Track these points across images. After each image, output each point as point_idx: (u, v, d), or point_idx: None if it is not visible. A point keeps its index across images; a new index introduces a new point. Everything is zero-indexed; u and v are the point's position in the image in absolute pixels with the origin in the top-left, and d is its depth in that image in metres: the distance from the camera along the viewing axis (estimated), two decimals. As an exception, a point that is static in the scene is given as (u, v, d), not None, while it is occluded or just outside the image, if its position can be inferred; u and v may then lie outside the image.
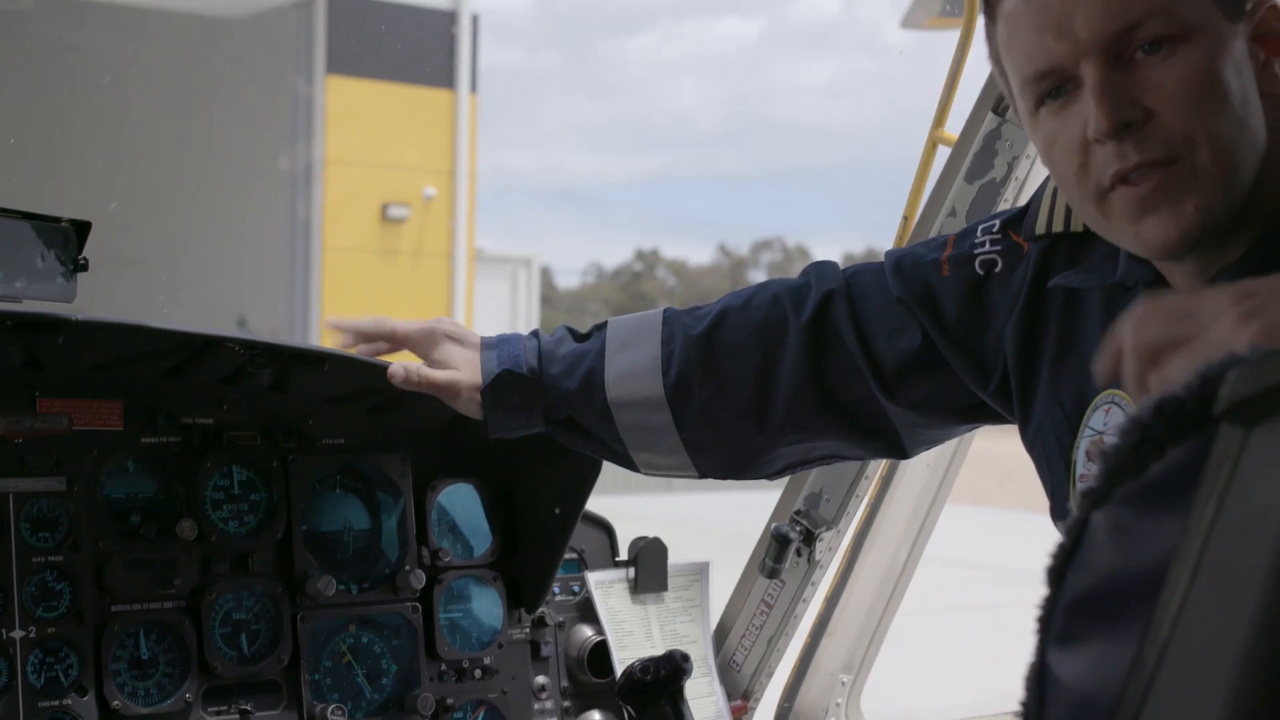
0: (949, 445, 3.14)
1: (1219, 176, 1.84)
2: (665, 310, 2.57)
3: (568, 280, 67.78)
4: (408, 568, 2.90)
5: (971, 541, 15.70)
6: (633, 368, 2.51)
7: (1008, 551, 13.20)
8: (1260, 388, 0.84)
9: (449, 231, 22.80)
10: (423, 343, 2.61)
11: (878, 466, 3.16)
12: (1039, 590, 0.96)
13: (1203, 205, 1.85)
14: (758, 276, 62.04)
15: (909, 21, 4.61)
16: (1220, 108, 1.84)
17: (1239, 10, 1.89)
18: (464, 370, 2.57)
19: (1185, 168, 1.84)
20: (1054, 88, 1.92)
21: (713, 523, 15.22)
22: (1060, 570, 0.95)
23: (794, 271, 2.55)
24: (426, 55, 22.31)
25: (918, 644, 8.91)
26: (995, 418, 2.39)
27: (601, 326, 2.59)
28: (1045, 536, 1.20)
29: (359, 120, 21.57)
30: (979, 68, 2.88)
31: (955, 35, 3.00)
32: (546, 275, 56.90)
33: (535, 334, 2.61)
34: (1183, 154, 1.84)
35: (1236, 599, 0.80)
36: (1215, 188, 1.85)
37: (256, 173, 22.07)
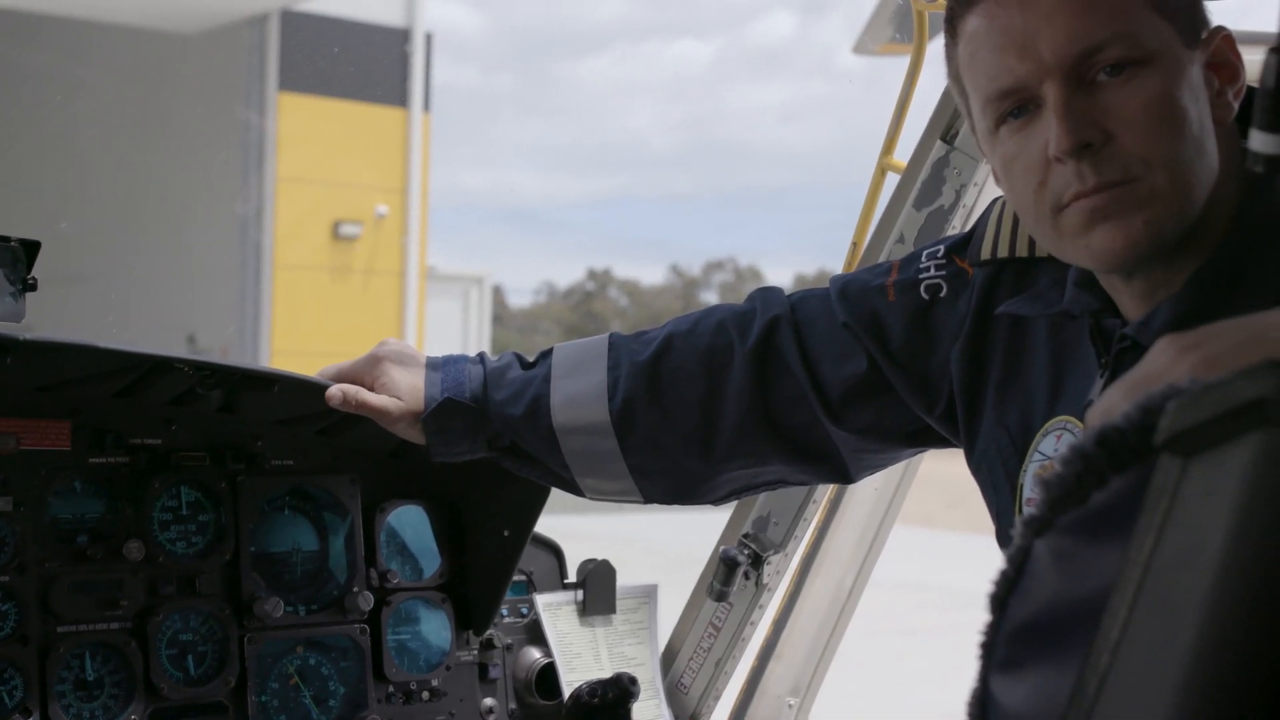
0: (897, 470, 3.16)
1: (1172, 197, 1.87)
2: (611, 336, 2.57)
3: (520, 299, 67.73)
4: (356, 589, 2.89)
5: (920, 563, 15.75)
6: (579, 394, 2.51)
7: (956, 574, 13.25)
8: (1199, 419, 0.85)
9: (401, 249, 22.77)
10: (366, 372, 2.61)
11: (826, 490, 3.17)
12: (986, 614, 0.97)
13: (1153, 222, 1.87)
14: (709, 297, 62.12)
15: (860, 47, 4.63)
16: (1178, 132, 1.87)
17: (1196, 37, 1.92)
18: (405, 395, 2.56)
19: (1141, 187, 1.87)
20: (1015, 107, 1.95)
21: (662, 544, 15.21)
22: (1003, 597, 0.96)
23: (746, 292, 2.55)
24: (380, 73, 22.30)
25: (865, 666, 8.92)
26: (940, 442, 2.40)
27: (548, 354, 2.59)
28: (994, 559, 1.21)
29: (311, 138, 21.53)
30: (928, 95, 2.90)
31: (905, 62, 3.02)
32: (499, 294, 56.90)
33: (481, 358, 2.61)
34: (1139, 175, 1.87)
35: (1175, 628, 0.81)
36: (1167, 208, 1.87)
37: (207, 190, 21.98)
